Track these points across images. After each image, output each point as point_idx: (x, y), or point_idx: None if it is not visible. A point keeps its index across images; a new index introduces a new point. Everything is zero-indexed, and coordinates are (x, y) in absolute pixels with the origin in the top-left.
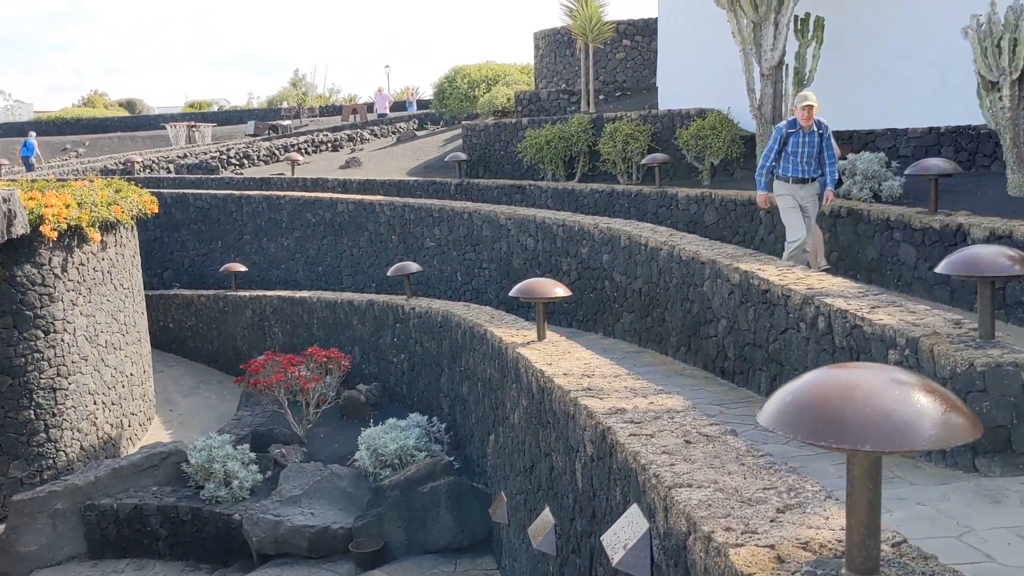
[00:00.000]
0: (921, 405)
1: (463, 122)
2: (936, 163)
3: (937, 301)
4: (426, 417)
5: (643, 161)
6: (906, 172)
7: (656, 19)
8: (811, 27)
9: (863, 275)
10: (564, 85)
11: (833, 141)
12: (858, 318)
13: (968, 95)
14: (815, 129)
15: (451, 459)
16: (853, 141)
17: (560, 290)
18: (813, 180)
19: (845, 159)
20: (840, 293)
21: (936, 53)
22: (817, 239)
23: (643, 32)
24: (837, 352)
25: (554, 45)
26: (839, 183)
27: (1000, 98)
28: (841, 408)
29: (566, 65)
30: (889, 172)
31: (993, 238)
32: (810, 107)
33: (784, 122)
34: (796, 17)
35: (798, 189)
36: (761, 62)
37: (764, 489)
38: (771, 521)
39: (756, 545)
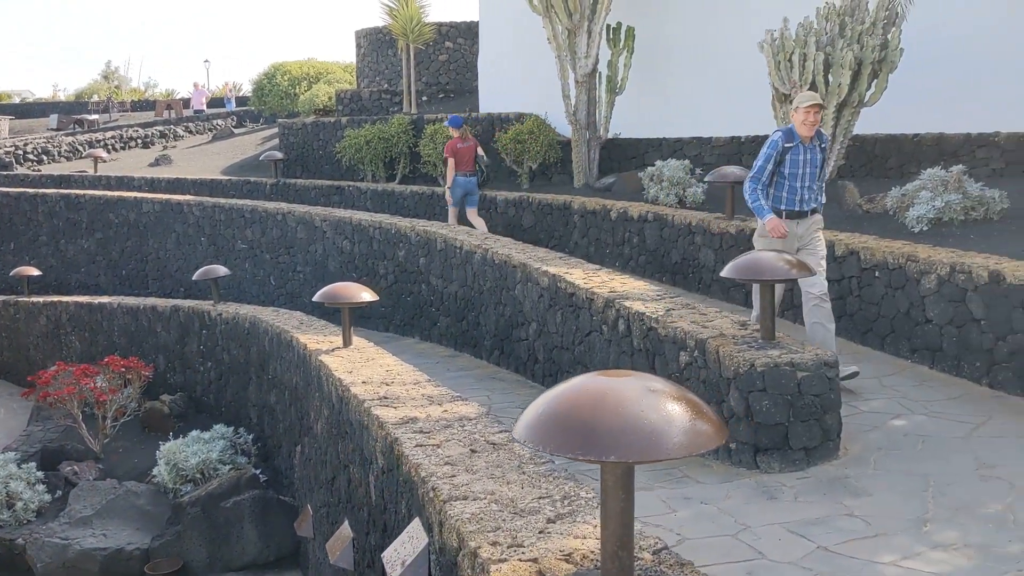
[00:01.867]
0: (670, 414)
1: (279, 120)
2: (733, 171)
3: (734, 303)
4: (232, 428)
5: None
6: (706, 179)
7: (478, 22)
8: (622, 36)
9: (668, 277)
10: (386, 85)
11: None
12: (653, 320)
13: (767, 106)
14: (816, 142)
15: (257, 472)
16: (663, 149)
17: (367, 295)
18: (814, 212)
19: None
20: (640, 296)
21: (737, 66)
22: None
23: (466, 34)
24: (635, 354)
25: (376, 44)
26: None
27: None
28: (591, 418)
29: (388, 65)
30: (693, 179)
31: None
32: (817, 107)
33: (779, 132)
34: (608, 26)
35: (794, 227)
36: (575, 69)
37: (539, 498)
38: (540, 533)
39: (520, 559)
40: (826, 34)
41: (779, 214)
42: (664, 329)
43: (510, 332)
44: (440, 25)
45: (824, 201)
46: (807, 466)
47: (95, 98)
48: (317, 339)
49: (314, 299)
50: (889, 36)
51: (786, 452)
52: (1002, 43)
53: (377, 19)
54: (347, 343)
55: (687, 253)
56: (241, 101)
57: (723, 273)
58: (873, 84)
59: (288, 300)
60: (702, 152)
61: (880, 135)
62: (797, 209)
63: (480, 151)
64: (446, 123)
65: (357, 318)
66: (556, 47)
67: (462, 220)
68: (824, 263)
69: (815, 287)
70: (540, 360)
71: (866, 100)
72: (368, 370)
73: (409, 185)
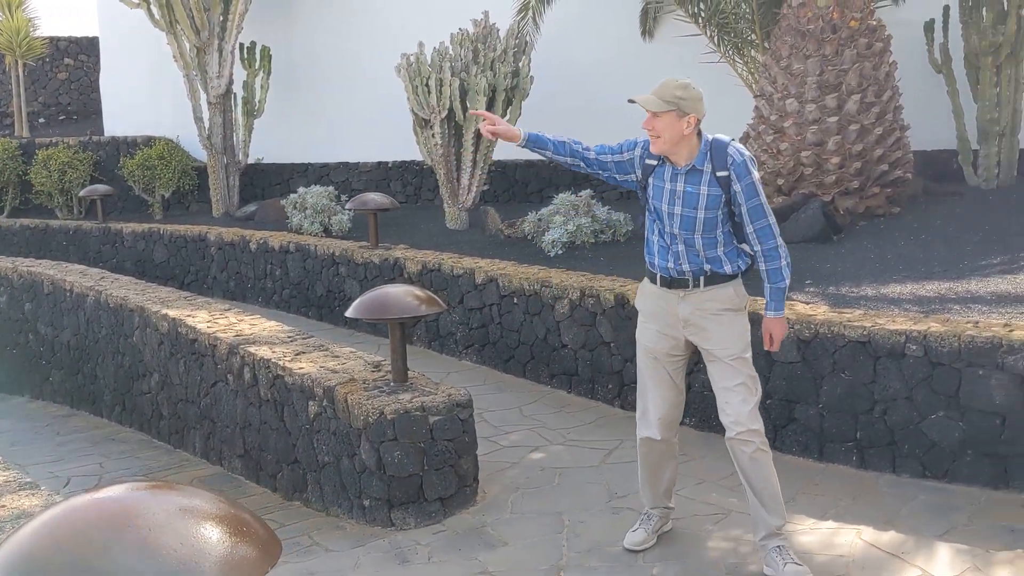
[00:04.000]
0: (202, 543)
1: None
2: (374, 197)
3: (381, 336)
4: None
5: (82, 193)
6: (347, 207)
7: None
8: (258, 56)
9: (315, 312)
10: None
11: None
12: (279, 367)
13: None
14: (707, 167)
15: None
16: (309, 174)
17: None
18: (709, 281)
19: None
20: (269, 340)
21: (381, 89)
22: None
23: (88, 51)
24: (263, 405)
25: None
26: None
27: (432, 135)
28: (98, 563)
29: None
30: (339, 206)
31: (425, 271)
32: (651, 115)
33: (643, 139)
34: (242, 45)
35: (672, 302)
36: (208, 89)
37: None
38: None
39: None
40: (461, 60)
41: (650, 276)
42: (291, 376)
43: (131, 385)
44: (57, 40)
45: (738, 267)
46: (444, 517)
47: None
48: None
49: None
50: (520, 64)
51: (421, 505)
52: (619, 76)
53: None
54: None
55: (332, 285)
56: None
57: (348, 312)
58: (508, 111)
59: None
60: (350, 178)
61: (519, 161)
62: (671, 274)
63: None
64: None
65: None
66: (184, 66)
67: None
68: (741, 375)
69: (728, 419)
70: (165, 416)
71: None
72: None
73: (19, 219)
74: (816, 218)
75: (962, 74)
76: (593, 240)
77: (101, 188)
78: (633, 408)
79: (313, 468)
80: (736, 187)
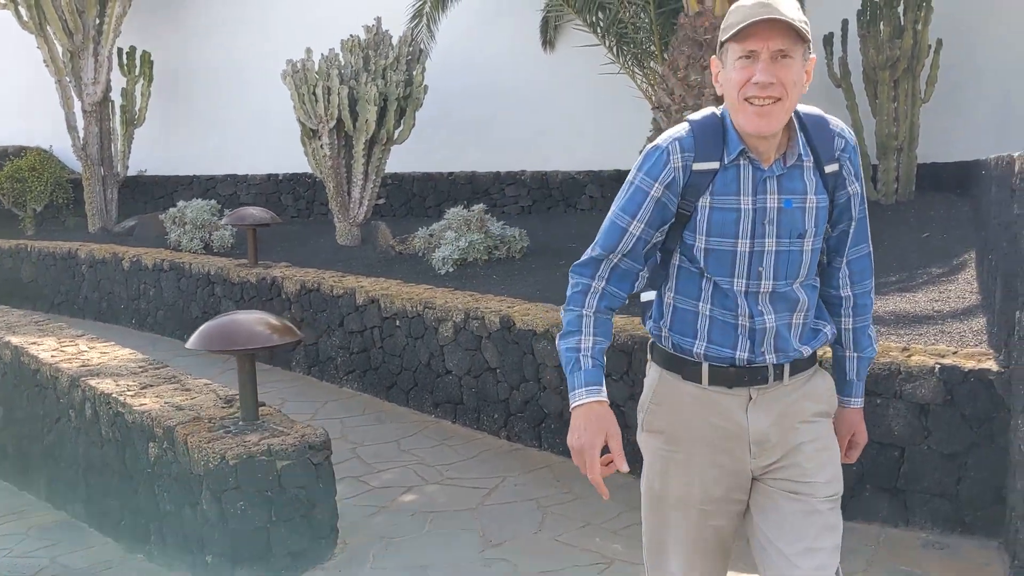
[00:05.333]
0: None
1: None
2: (252, 212)
3: (260, 363)
4: None
5: None
6: (222, 222)
7: None
8: (138, 62)
9: (189, 335)
10: None
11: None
12: (120, 403)
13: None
14: (805, 160)
15: None
16: (195, 187)
17: None
18: (801, 368)
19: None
20: (117, 371)
21: (269, 98)
22: None
23: None
24: (106, 444)
25: None
26: None
27: (321, 146)
28: None
29: None
30: (222, 221)
31: (304, 291)
32: (779, 56)
33: (671, 138)
34: (120, 50)
35: (734, 411)
36: (82, 97)
37: None
38: None
39: None
40: (351, 67)
41: (678, 369)
42: (131, 414)
43: None
44: None
45: (826, 337)
46: (296, 574)
47: None
48: None
49: None
50: (414, 73)
51: (270, 561)
52: (519, 87)
53: None
54: None
55: (208, 306)
56: None
57: (189, 343)
58: (401, 121)
59: None
60: (238, 191)
61: (416, 173)
62: (739, 363)
63: None
64: None
65: None
66: (56, 71)
67: None
68: (835, 528)
69: None
70: (10, 453)
71: (395, 137)
72: None
73: None
74: None
75: (861, 88)
76: (486, 257)
77: None
78: (520, 440)
79: (156, 518)
80: (852, 187)
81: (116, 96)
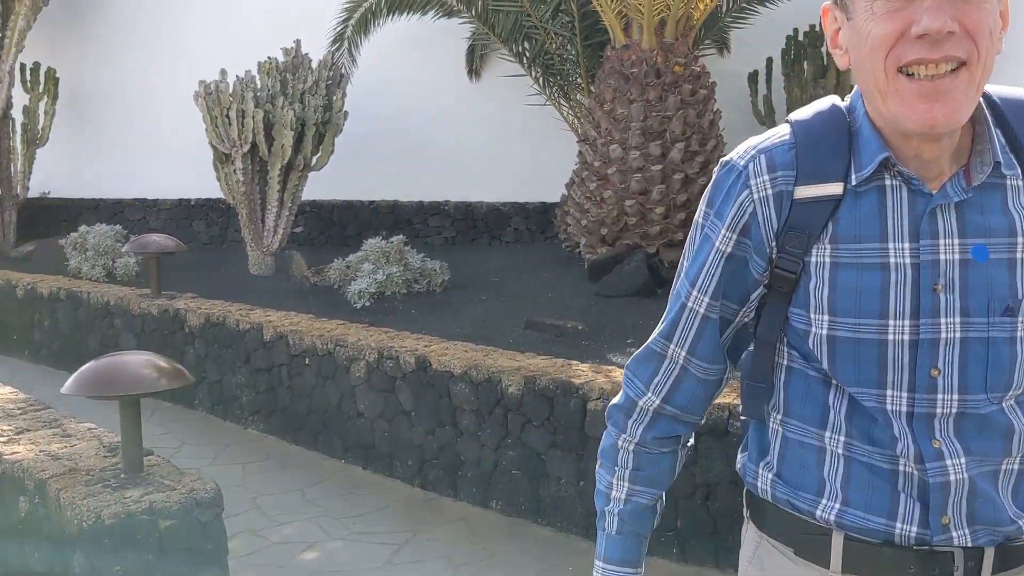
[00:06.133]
0: None
1: None
2: (155, 239)
3: (163, 401)
4: None
5: None
6: (124, 249)
7: None
8: (42, 79)
9: None
10: None
11: None
12: None
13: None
14: (1001, 165)
15: None
16: (101, 211)
17: None
18: (1012, 548)
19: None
20: None
21: (183, 120)
22: None
23: None
24: None
25: None
26: None
27: (234, 171)
28: None
29: None
30: (123, 248)
31: (209, 325)
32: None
33: (756, 147)
34: (23, 65)
35: None
36: None
37: None
38: None
39: None
40: (267, 90)
41: (790, 540)
42: (2, 464)
43: None
44: None
45: None
46: None
47: None
48: None
49: None
50: (334, 98)
51: None
52: (444, 116)
53: None
54: None
55: (106, 339)
56: None
57: (65, 388)
58: (320, 147)
59: None
60: (147, 216)
61: (336, 201)
62: (914, 542)
63: None
64: None
65: None
66: None
67: None
68: None
69: None
70: None
71: (313, 164)
72: None
73: None
74: (640, 271)
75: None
76: (405, 291)
77: None
78: (434, 488)
79: None
80: None
81: (17, 114)
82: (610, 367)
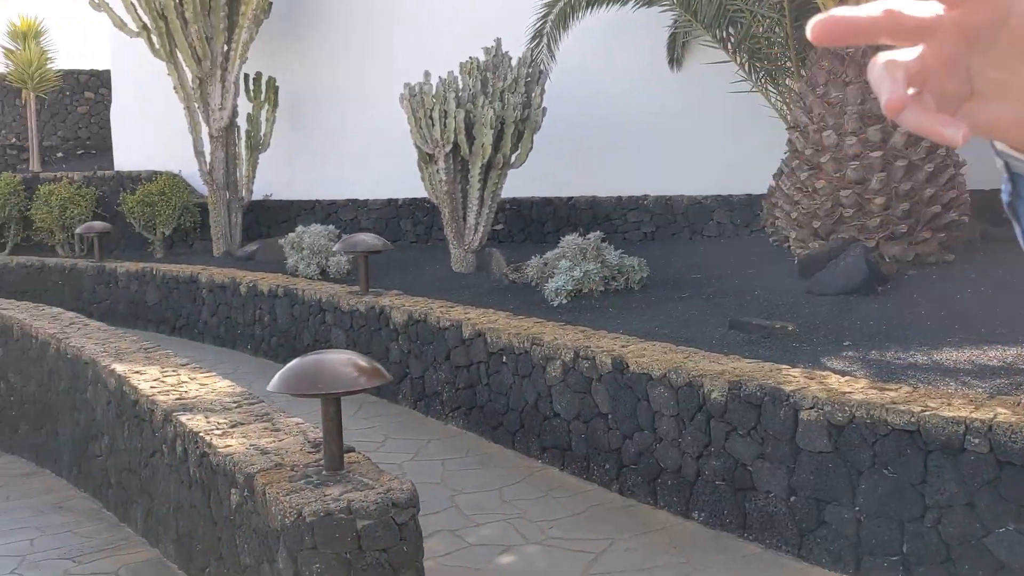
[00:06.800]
0: None
1: None
2: (364, 239)
3: (369, 395)
4: None
5: (78, 230)
6: (334, 248)
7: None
8: (263, 87)
9: None
10: (14, 139)
11: None
12: (206, 443)
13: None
14: None
15: None
16: (316, 212)
17: None
18: None
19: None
20: (209, 406)
21: (390, 122)
22: None
23: (107, 84)
24: (193, 485)
25: (2, 93)
26: None
27: (437, 171)
28: None
29: (16, 117)
30: (334, 247)
31: (412, 322)
32: None
33: None
34: (247, 75)
35: None
36: (210, 122)
37: None
38: None
39: None
40: (468, 90)
41: None
42: (216, 456)
43: (86, 446)
44: (77, 73)
45: None
46: None
47: None
48: None
49: None
50: (533, 95)
51: None
52: (643, 108)
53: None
54: None
55: (319, 334)
56: None
57: (271, 385)
58: (519, 144)
59: None
60: (358, 216)
61: (536, 198)
62: None
63: None
64: None
65: None
66: (184, 97)
67: None
68: None
69: None
70: (112, 484)
71: (512, 161)
72: None
73: (17, 256)
74: (858, 266)
75: None
76: (603, 288)
77: (98, 225)
78: (633, 494)
79: (236, 569)
80: None
81: (242, 122)
82: (824, 373)
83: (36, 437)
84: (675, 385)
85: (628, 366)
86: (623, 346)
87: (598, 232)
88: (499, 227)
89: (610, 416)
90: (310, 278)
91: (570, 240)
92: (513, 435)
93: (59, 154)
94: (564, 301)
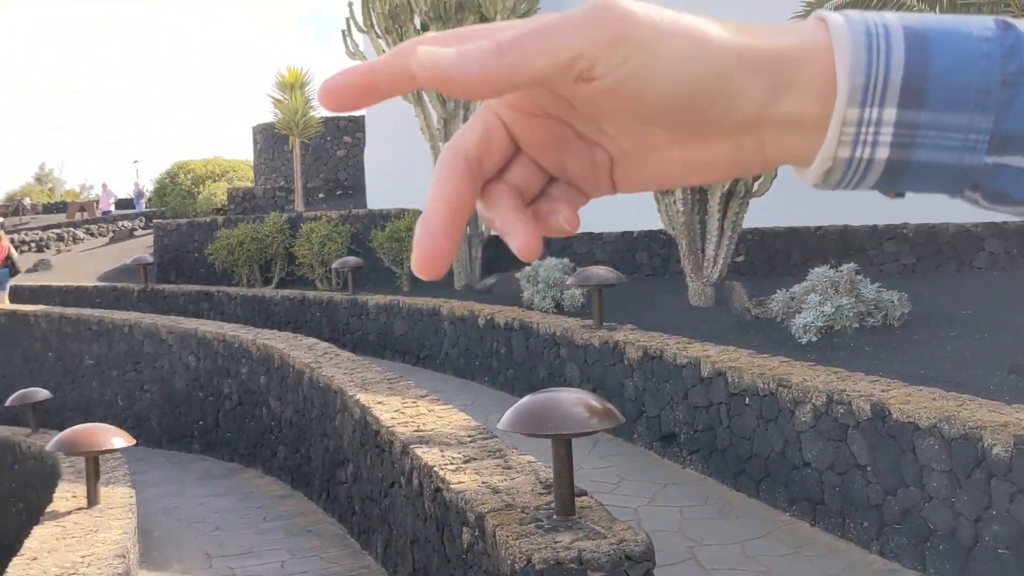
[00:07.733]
0: None
1: (155, 221)
2: (598, 272)
3: (602, 431)
4: None
5: (334, 265)
6: (568, 282)
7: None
8: None
9: None
10: (283, 182)
11: None
12: (440, 478)
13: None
14: None
15: None
16: (552, 246)
17: (119, 440)
18: None
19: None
20: (444, 439)
21: None
22: None
23: (363, 128)
24: (428, 520)
25: (271, 140)
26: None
27: (674, 202)
28: None
29: (284, 161)
30: (568, 281)
31: (646, 358)
32: None
33: None
34: None
35: None
36: None
37: None
38: None
39: None
40: None
41: None
42: (448, 492)
43: (334, 472)
44: (337, 119)
45: None
46: None
47: (28, 200)
48: (66, 492)
49: (48, 448)
50: None
51: None
52: None
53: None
54: (93, 501)
55: (553, 368)
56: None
57: (502, 423)
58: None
59: (136, 424)
60: (593, 249)
61: (781, 228)
62: None
63: (13, 252)
64: None
65: (203, 445)
66: (430, 137)
67: None
68: None
69: None
70: (356, 511)
71: (754, 190)
72: (63, 555)
73: (285, 289)
74: None
75: None
76: (857, 325)
77: (351, 260)
78: (896, 558)
79: None
80: None
81: None
82: None
83: (292, 461)
84: (947, 437)
85: (890, 413)
86: (883, 390)
87: (851, 264)
88: (740, 259)
89: (869, 468)
90: (545, 311)
91: (820, 272)
92: (757, 483)
93: (320, 195)
94: (813, 339)
